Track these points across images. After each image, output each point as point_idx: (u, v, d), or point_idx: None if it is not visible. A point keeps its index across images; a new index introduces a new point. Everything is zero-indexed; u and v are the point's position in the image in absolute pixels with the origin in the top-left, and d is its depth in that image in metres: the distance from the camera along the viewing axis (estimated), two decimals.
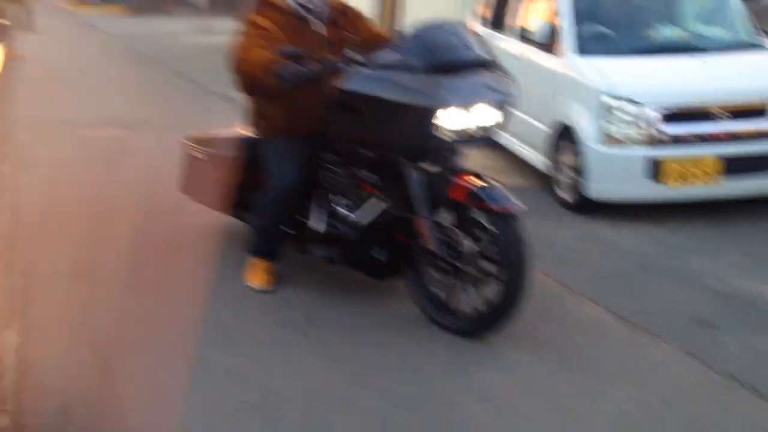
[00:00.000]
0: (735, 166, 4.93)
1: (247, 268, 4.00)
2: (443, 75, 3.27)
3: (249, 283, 3.94)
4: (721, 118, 4.92)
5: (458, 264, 3.39)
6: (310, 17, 3.79)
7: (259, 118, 3.92)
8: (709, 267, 4.31)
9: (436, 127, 3.27)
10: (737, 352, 3.34)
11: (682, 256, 4.47)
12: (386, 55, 3.42)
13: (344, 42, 3.78)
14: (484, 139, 3.54)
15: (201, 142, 4.46)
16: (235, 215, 4.43)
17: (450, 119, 3.29)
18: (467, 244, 3.36)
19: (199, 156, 4.41)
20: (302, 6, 3.77)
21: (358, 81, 3.46)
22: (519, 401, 2.95)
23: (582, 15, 5.61)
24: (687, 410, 2.89)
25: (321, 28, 3.81)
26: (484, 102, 3.36)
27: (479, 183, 3.33)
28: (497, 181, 3.41)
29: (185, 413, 2.88)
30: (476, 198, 3.28)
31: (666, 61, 5.38)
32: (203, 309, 3.72)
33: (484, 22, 7.20)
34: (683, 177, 4.90)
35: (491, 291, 3.34)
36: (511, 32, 6.47)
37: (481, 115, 3.38)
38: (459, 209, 3.42)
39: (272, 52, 3.51)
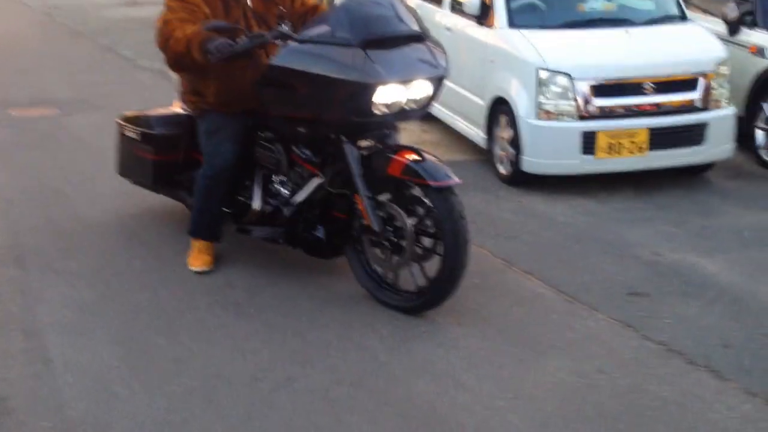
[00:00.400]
0: (661, 137, 5.09)
1: (189, 250, 3.95)
2: (376, 49, 3.23)
3: (190, 266, 3.90)
4: (648, 91, 5.06)
5: (397, 241, 3.40)
6: None
7: (192, 94, 3.83)
8: (639, 237, 4.46)
9: (372, 103, 3.25)
10: (669, 321, 3.48)
11: (613, 228, 4.62)
12: (316, 29, 3.34)
13: (274, 15, 3.69)
14: (419, 113, 3.54)
15: (135, 121, 4.35)
16: (174, 196, 4.36)
17: (386, 95, 3.27)
18: (406, 220, 3.37)
19: (134, 136, 4.30)
20: None
21: (287, 56, 3.36)
22: (461, 375, 3.02)
23: None
24: (623, 379, 3.00)
25: (249, 0, 3.70)
26: (419, 77, 3.35)
27: (415, 158, 3.31)
28: (433, 155, 3.43)
29: (128, 400, 2.85)
30: (412, 173, 3.27)
31: (595, 33, 5.49)
32: (145, 294, 3.67)
33: None
34: (613, 149, 5.04)
35: (432, 267, 3.38)
36: (443, 3, 6.48)
37: (415, 90, 3.37)
38: (397, 185, 3.43)
39: (197, 26, 3.43)
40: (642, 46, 5.32)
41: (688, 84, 5.15)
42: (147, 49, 11.57)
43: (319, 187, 3.59)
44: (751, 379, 3.00)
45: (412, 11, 3.54)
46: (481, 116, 5.69)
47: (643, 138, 5.05)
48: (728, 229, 4.58)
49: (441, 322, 3.42)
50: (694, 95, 5.15)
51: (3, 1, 20.62)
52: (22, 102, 7.79)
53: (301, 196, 3.63)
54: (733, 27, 6.04)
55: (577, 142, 5.01)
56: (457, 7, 6.22)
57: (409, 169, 3.27)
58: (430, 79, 3.40)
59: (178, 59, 3.54)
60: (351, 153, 3.41)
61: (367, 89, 3.21)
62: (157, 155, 4.19)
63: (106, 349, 3.18)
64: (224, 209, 3.92)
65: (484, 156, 5.79)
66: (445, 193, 3.25)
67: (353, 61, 3.19)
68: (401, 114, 3.40)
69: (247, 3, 3.69)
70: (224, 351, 3.18)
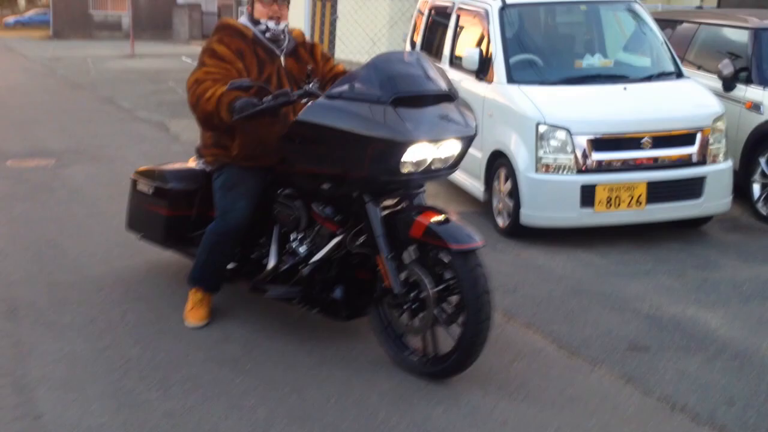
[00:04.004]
0: (660, 190, 5.11)
1: (186, 303, 3.89)
2: (406, 107, 3.12)
3: (186, 321, 3.84)
4: (646, 145, 5.09)
5: (419, 304, 3.27)
6: (272, 47, 3.66)
7: (215, 147, 3.73)
8: (639, 291, 4.42)
9: (400, 162, 3.14)
10: (671, 376, 3.42)
11: (613, 281, 4.58)
12: (344, 86, 3.23)
13: (304, 75, 3.62)
14: (446, 173, 3.41)
15: (149, 175, 4.25)
16: (185, 253, 4.19)
17: (414, 154, 3.15)
18: (428, 282, 3.24)
19: (147, 190, 4.20)
20: (265, 36, 3.64)
21: (314, 111, 3.25)
22: None
23: (512, 44, 5.73)
24: None
25: (282, 60, 3.69)
26: (448, 136, 3.23)
27: (438, 219, 3.19)
28: (457, 216, 3.29)
29: None
30: (433, 235, 3.16)
31: (593, 89, 5.54)
32: (138, 347, 3.60)
33: (414, 47, 7.30)
34: (612, 202, 5.04)
35: (455, 330, 3.24)
36: (442, 58, 6.57)
37: (444, 149, 3.26)
38: (422, 247, 3.30)
39: (225, 85, 3.37)
40: (639, 102, 5.38)
41: (686, 139, 5.19)
42: (145, 100, 11.71)
43: (339, 247, 3.47)
44: None
45: (441, 71, 3.39)
46: (480, 169, 5.71)
47: (642, 191, 5.06)
48: (728, 283, 4.56)
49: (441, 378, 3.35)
50: (692, 150, 5.19)
51: (4, 54, 20.86)
52: (19, 153, 7.82)
53: (319, 256, 3.52)
54: (729, 83, 6.13)
55: (576, 196, 5.02)
56: (455, 62, 6.31)
57: (430, 231, 3.16)
58: (459, 139, 3.28)
59: (207, 118, 3.46)
60: (373, 213, 3.31)
61: (397, 147, 3.09)
62: (170, 211, 4.10)
63: (97, 404, 3.11)
64: (230, 266, 3.83)
65: (483, 208, 5.79)
66: (466, 256, 3.12)
67: (382, 118, 3.08)
68: (428, 173, 3.28)
69: (281, 62, 3.67)
70: (220, 407, 3.10)
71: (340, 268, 3.52)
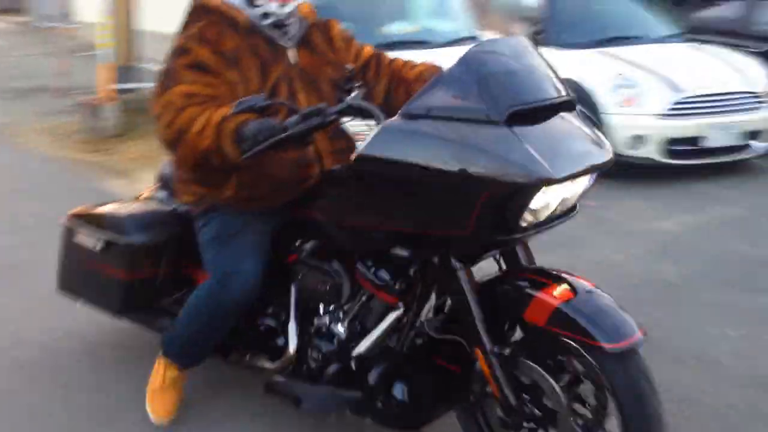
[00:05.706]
0: None
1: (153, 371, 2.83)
2: (522, 125, 1.96)
3: (149, 406, 2.78)
4: None
5: (540, 419, 2.20)
6: (276, 38, 2.46)
7: (195, 185, 2.53)
8: None
9: (523, 210, 2.01)
10: None
11: None
12: (429, 96, 2.03)
13: (327, 75, 2.52)
14: (563, 220, 2.21)
15: (95, 221, 2.98)
16: (149, 325, 3.01)
17: (542, 198, 2.01)
18: (557, 387, 2.14)
19: (92, 245, 2.96)
20: (267, 19, 2.43)
21: (390, 141, 2.04)
22: None
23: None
24: None
25: (293, 54, 2.50)
26: (590, 167, 2.05)
27: (564, 292, 2.08)
28: (592, 283, 2.16)
29: None
30: (570, 326, 2.03)
31: (399, 55, 5.63)
32: None
33: None
34: None
35: None
36: None
37: (573, 186, 2.09)
38: (537, 333, 2.17)
39: (225, 108, 2.23)
40: (443, 66, 5.53)
41: None
42: None
43: (399, 325, 2.38)
44: None
45: (548, 61, 2.20)
46: None
47: None
48: None
49: None
50: None
51: None
52: None
53: (369, 341, 2.39)
54: None
55: None
56: None
57: (562, 318, 2.03)
58: (596, 168, 2.09)
59: (202, 158, 2.29)
60: (469, 286, 2.19)
61: (525, 191, 1.95)
62: (129, 274, 2.89)
63: None
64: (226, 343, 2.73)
65: None
66: (625, 357, 2.01)
67: (499, 147, 1.92)
68: (545, 224, 2.13)
69: (289, 59, 2.47)
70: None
71: (399, 357, 2.40)
